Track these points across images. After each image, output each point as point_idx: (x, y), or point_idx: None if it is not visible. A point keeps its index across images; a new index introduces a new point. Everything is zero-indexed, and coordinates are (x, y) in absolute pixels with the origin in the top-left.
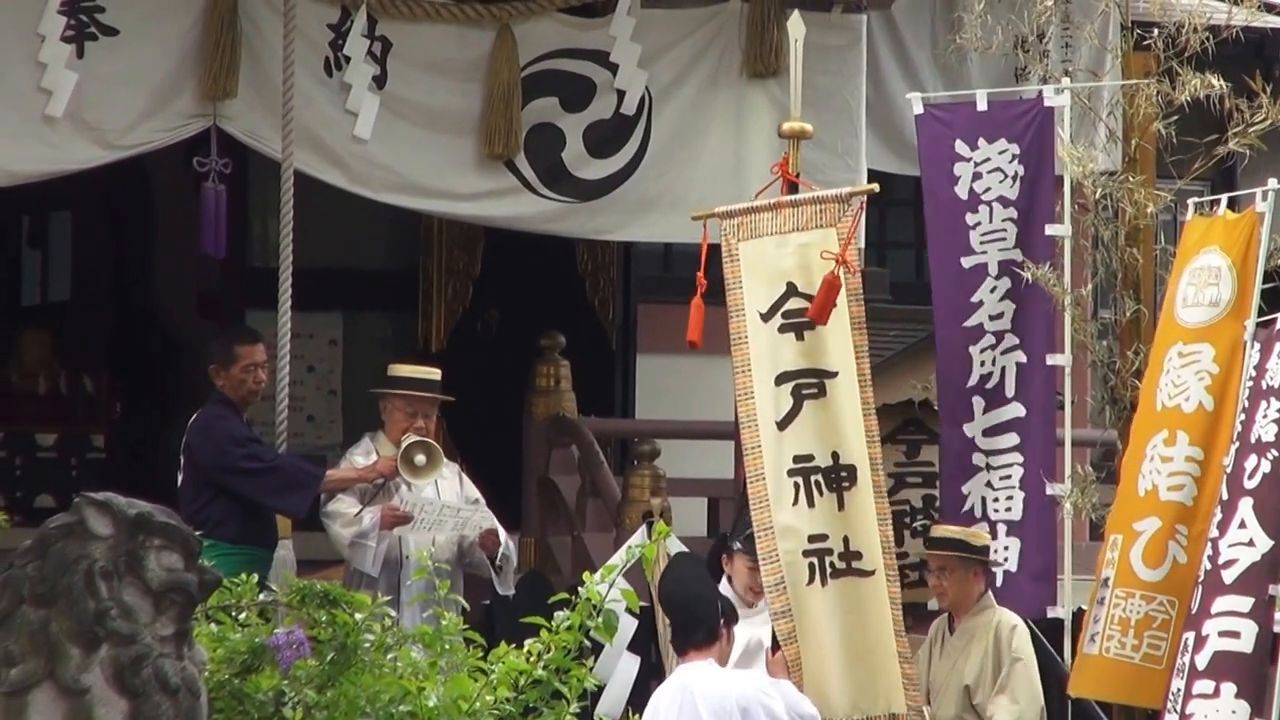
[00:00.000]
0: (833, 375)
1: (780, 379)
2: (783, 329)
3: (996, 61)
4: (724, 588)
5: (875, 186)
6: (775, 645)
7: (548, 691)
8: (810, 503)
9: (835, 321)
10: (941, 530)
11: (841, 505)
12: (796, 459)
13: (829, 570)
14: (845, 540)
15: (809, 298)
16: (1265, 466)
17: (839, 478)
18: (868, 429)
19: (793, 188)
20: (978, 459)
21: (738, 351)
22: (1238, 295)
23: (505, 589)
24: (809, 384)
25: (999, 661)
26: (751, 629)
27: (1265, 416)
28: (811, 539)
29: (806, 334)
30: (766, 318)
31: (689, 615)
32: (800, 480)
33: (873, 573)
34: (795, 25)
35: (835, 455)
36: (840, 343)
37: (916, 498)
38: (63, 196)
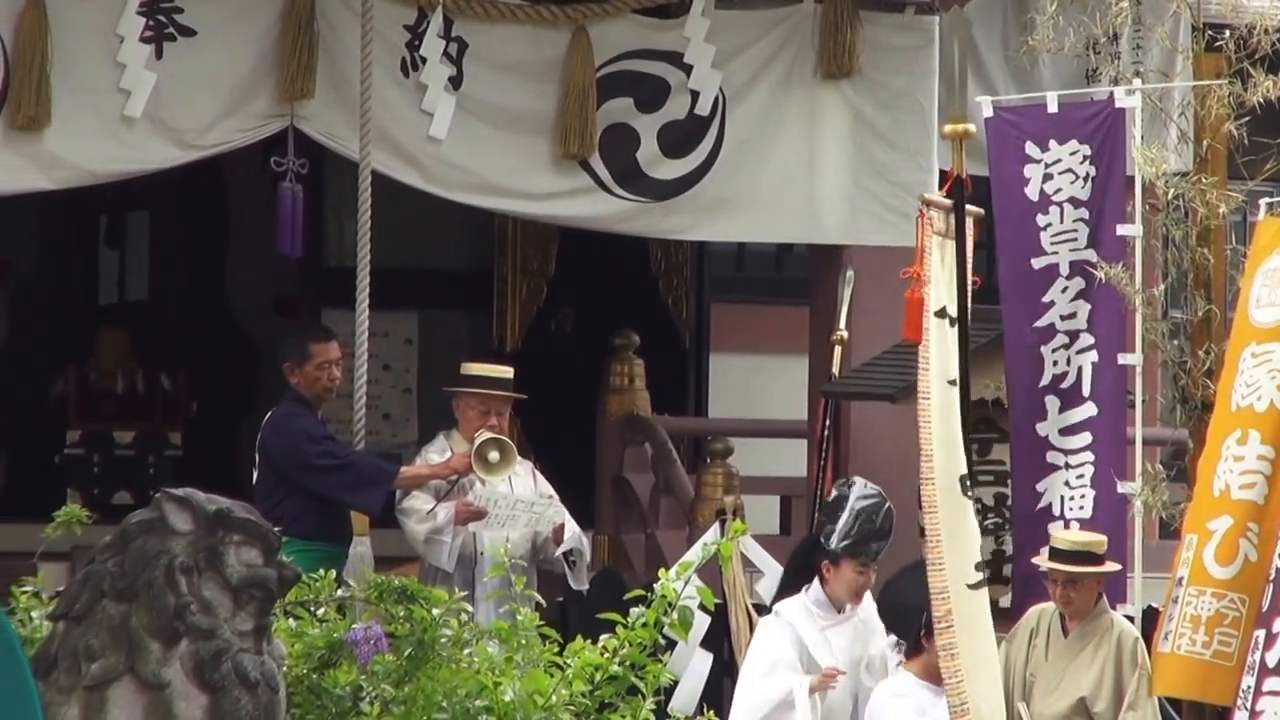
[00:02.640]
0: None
1: (953, 381)
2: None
3: (1068, 63)
4: (812, 591)
5: (981, 211)
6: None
7: (623, 687)
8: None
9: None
10: (1067, 541)
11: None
12: None
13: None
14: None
15: (947, 314)
16: None
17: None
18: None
19: (958, 190)
20: (1054, 458)
21: (923, 351)
22: None
23: (579, 584)
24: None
25: (1121, 672)
26: (845, 633)
27: None
28: None
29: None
30: (940, 316)
31: (895, 626)
32: None
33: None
34: (953, 22)
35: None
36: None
37: (989, 495)
38: (140, 196)
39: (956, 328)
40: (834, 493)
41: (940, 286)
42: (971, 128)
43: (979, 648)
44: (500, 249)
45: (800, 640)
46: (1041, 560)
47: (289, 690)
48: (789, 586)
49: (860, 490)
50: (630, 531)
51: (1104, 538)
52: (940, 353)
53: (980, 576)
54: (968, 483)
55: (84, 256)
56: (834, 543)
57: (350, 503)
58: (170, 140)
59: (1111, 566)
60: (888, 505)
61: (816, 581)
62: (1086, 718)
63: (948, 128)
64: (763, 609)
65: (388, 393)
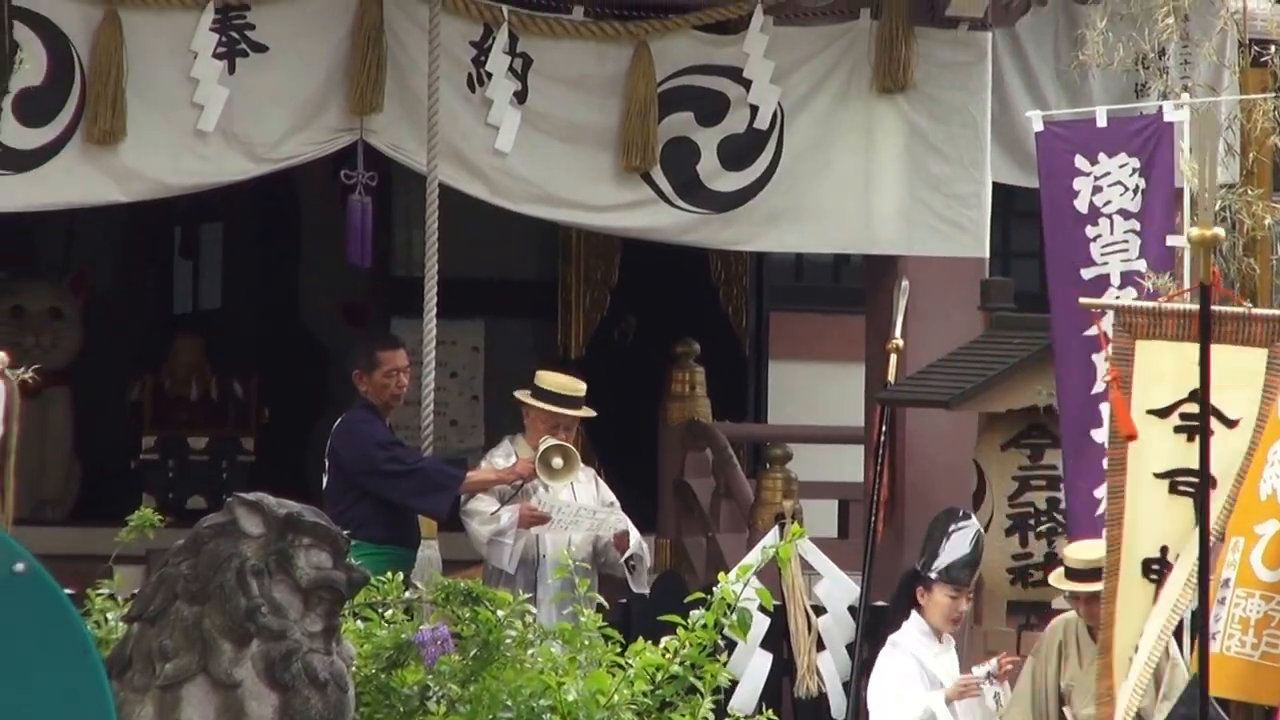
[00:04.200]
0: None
1: (1160, 475)
2: (1177, 429)
3: (1118, 77)
4: (914, 621)
5: None
6: None
7: (683, 686)
8: None
9: (1235, 435)
10: (1082, 561)
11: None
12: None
13: None
14: None
15: (1215, 413)
16: None
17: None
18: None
19: (1204, 296)
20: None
21: (1115, 451)
22: None
23: (639, 588)
24: (1185, 482)
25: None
26: (950, 663)
27: None
28: None
29: (1197, 438)
30: (1162, 415)
31: None
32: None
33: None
34: (1204, 121)
35: (1164, 549)
36: (1234, 453)
37: (1041, 500)
38: (214, 208)
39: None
40: (935, 523)
41: (1160, 386)
42: (1221, 232)
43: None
44: (564, 259)
45: (921, 665)
46: (1058, 582)
47: (358, 690)
48: (894, 620)
49: (957, 519)
50: (691, 535)
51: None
52: (1142, 449)
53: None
54: (1153, 568)
55: (159, 267)
56: (928, 569)
57: (417, 508)
58: (242, 153)
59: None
60: (978, 531)
61: (916, 613)
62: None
63: (1195, 233)
64: (820, 610)
65: (455, 399)
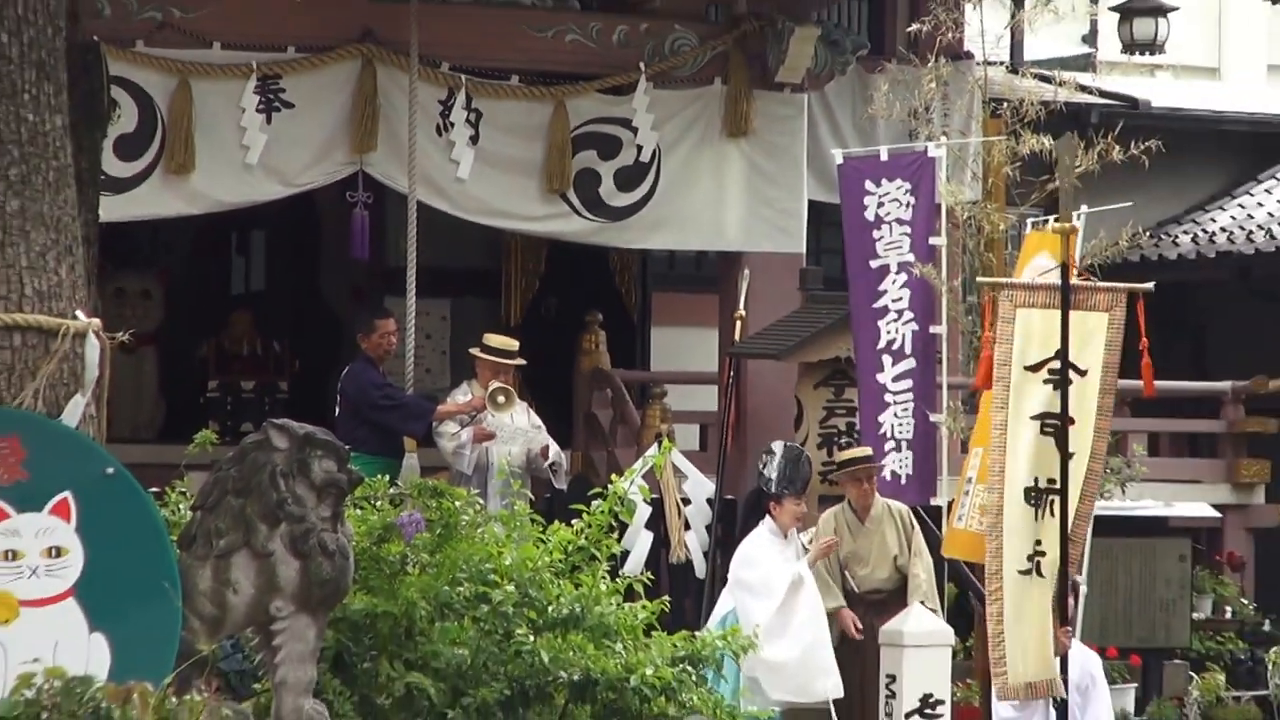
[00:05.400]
0: (1071, 421)
1: (1033, 418)
2: (1046, 381)
3: (896, 125)
4: (766, 524)
5: (1150, 286)
6: (1063, 619)
7: (587, 556)
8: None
9: (1088, 382)
10: (856, 452)
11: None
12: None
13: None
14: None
15: (1072, 366)
16: None
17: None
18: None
19: (1064, 274)
20: (888, 397)
21: (1000, 391)
22: None
23: (559, 485)
24: (1049, 425)
25: (907, 535)
26: (789, 564)
27: None
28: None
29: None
30: (1034, 370)
31: None
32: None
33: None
34: (1065, 146)
35: (1051, 480)
36: (1089, 396)
37: (842, 424)
38: (259, 218)
39: (1059, 378)
40: (763, 457)
41: (1031, 346)
42: (1079, 226)
43: (1021, 623)
44: (506, 255)
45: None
46: (840, 475)
47: (356, 558)
48: (745, 527)
49: (781, 448)
50: (596, 450)
51: (870, 449)
52: (1020, 396)
53: (1029, 566)
54: (1032, 494)
55: (221, 261)
56: (775, 488)
57: (402, 430)
58: (277, 180)
59: (876, 465)
60: (804, 453)
61: (768, 518)
62: (896, 571)
63: (1055, 225)
64: (687, 501)
65: (429, 354)
